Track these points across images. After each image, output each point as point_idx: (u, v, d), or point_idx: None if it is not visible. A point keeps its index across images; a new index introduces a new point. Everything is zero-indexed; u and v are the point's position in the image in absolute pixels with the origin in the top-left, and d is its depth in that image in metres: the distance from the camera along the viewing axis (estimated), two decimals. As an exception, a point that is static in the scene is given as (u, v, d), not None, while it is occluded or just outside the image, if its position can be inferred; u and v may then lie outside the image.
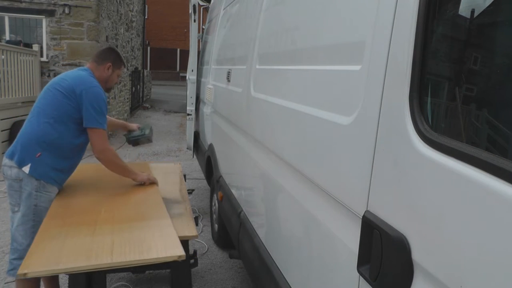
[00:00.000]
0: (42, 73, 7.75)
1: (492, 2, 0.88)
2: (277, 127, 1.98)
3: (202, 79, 4.91)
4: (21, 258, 2.03)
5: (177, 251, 1.81)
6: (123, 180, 2.89)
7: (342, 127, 1.28)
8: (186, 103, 5.02)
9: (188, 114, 4.93)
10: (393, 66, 1.05)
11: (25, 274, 1.62)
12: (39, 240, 1.89)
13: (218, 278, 3.34)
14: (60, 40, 7.67)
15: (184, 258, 1.77)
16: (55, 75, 7.55)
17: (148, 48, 24.07)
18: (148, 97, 16.55)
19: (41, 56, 7.80)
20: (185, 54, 16.68)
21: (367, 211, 1.12)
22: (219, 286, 3.22)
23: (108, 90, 2.69)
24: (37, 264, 1.69)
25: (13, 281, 2.73)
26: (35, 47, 7.58)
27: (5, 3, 7.71)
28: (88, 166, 3.20)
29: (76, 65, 7.67)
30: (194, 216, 2.67)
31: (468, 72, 0.93)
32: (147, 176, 2.71)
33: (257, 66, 2.40)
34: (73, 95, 2.36)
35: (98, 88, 2.45)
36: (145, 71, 15.78)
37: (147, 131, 3.13)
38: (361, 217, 1.13)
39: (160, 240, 1.91)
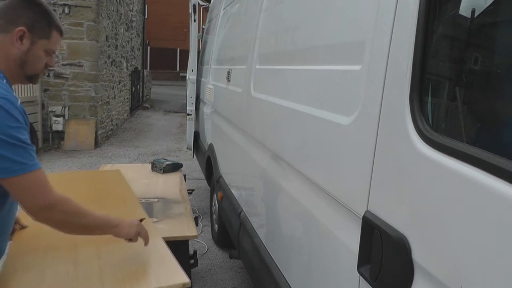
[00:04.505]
0: (42, 73, 7.73)
1: (493, 2, 0.88)
2: (277, 127, 1.98)
3: (202, 79, 4.91)
4: None
5: (180, 278, 1.53)
6: (100, 192, 2.49)
7: (342, 127, 1.28)
8: (186, 103, 5.02)
9: (188, 114, 4.94)
10: (393, 66, 1.05)
11: None
12: (10, 271, 1.52)
13: (218, 278, 3.34)
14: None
15: (189, 285, 1.52)
16: (54, 75, 7.56)
17: (148, 48, 24.06)
18: (148, 97, 16.54)
19: (41, 56, 7.79)
20: (185, 54, 16.68)
21: (367, 211, 1.12)
22: (219, 286, 3.22)
23: (30, 79, 1.49)
24: None
25: None
26: (35, 47, 7.56)
27: (5, 3, 7.70)
28: (58, 176, 2.87)
29: (76, 65, 7.67)
30: (194, 216, 2.67)
31: (468, 72, 0.93)
32: (136, 229, 1.64)
33: (257, 66, 2.40)
34: None
35: None
36: (145, 71, 15.77)
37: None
38: (361, 217, 1.13)
39: (156, 263, 1.65)
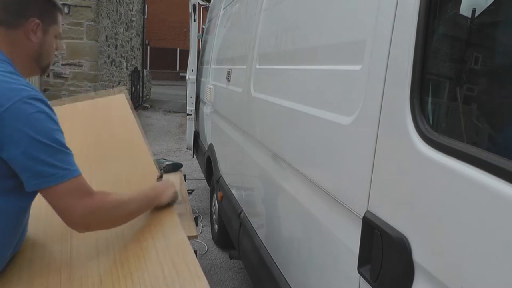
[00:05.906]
0: (41, 73, 7.74)
1: (493, 2, 0.88)
2: (277, 127, 1.98)
3: (202, 79, 4.91)
4: None
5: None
6: (100, 137, 1.92)
7: (342, 127, 1.28)
8: (186, 103, 5.01)
9: (188, 114, 4.93)
10: (393, 66, 1.05)
11: None
12: None
13: (218, 278, 3.34)
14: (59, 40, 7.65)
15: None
16: (54, 75, 7.56)
17: (148, 47, 24.06)
18: (148, 97, 16.54)
19: (41, 56, 7.80)
20: (185, 53, 16.69)
21: (367, 212, 1.12)
22: (219, 287, 3.21)
23: (44, 70, 1.38)
24: None
25: None
26: (35, 47, 7.56)
27: (5, 3, 7.70)
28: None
29: (75, 65, 7.67)
30: (194, 216, 2.66)
31: (469, 71, 0.93)
32: (174, 188, 1.63)
33: (257, 66, 2.40)
34: None
35: (31, 99, 1.10)
36: (144, 71, 15.77)
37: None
38: (361, 218, 1.13)
39: (173, 267, 1.25)
